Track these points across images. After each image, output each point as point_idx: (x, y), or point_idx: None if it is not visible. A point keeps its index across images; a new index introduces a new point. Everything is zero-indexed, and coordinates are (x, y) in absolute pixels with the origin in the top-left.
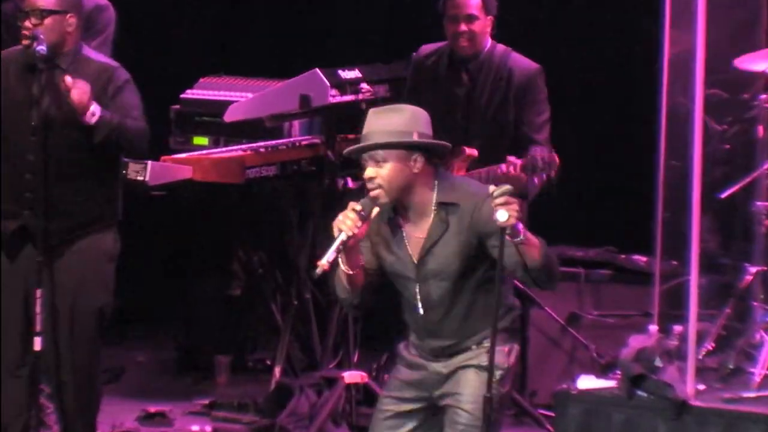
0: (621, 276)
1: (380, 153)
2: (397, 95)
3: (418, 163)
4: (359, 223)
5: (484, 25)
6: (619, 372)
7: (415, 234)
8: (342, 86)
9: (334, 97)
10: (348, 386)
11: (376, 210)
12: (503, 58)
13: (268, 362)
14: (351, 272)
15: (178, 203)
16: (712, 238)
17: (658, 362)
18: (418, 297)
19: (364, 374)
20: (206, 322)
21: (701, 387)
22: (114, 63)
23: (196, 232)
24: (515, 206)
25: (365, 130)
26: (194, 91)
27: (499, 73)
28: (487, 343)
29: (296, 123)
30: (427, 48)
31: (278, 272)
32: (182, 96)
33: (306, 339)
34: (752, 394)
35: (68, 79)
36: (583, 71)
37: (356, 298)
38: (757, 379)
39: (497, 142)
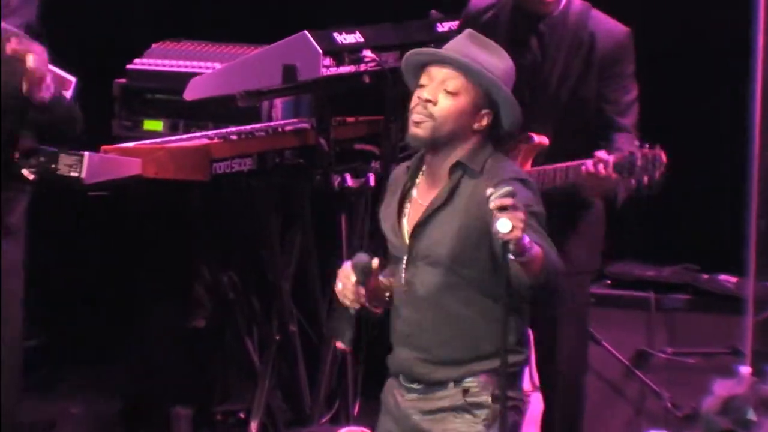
0: (703, 302)
1: (459, 81)
2: None
3: (483, 121)
4: (362, 291)
5: None
6: (701, 427)
7: (421, 200)
8: (339, 54)
9: (329, 68)
10: None
11: (375, 262)
12: (582, 17)
13: (242, 415)
14: (379, 311)
15: (124, 207)
16: None
17: (752, 415)
18: (403, 281)
19: (366, 430)
20: (161, 363)
21: None
22: None
23: (148, 245)
24: (521, 215)
25: (450, 45)
26: (145, 60)
27: (578, 37)
28: (467, 383)
29: (278, 102)
30: (480, 1)
31: (254, 298)
32: (129, 66)
33: (291, 385)
34: None
35: (17, 42)
36: (654, 42)
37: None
38: None
39: (571, 128)
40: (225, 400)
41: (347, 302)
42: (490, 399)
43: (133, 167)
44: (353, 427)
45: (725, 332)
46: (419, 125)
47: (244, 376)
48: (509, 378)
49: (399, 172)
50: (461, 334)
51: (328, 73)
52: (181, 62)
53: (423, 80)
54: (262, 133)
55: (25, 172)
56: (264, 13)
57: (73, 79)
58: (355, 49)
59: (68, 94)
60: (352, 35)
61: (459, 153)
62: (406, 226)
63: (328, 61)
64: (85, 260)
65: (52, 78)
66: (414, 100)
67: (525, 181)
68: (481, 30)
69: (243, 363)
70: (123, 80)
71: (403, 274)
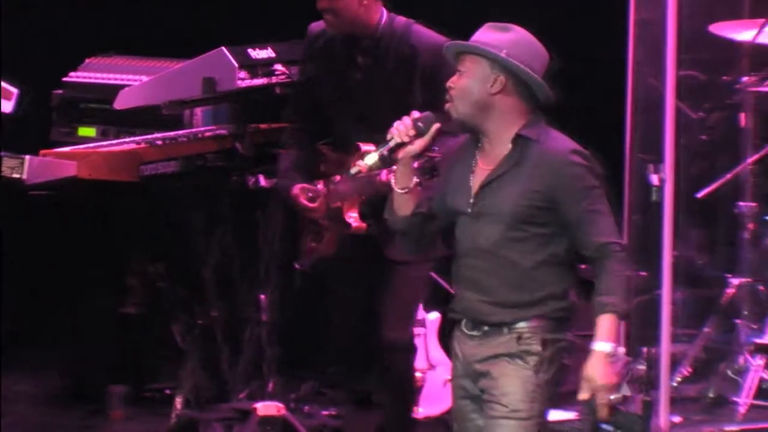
0: (581, 289)
1: (467, 62)
2: None
3: (496, 84)
4: (412, 132)
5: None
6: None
7: (485, 165)
8: (253, 68)
9: (244, 80)
10: (262, 419)
11: (435, 126)
12: (404, 34)
13: (168, 392)
14: (399, 191)
15: (62, 205)
16: (688, 245)
17: (626, 390)
18: (467, 235)
19: (280, 405)
20: (97, 345)
21: (677, 419)
22: None
23: (84, 239)
24: None
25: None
26: (79, 73)
27: (401, 51)
28: (520, 328)
29: (199, 111)
30: (316, 26)
31: (181, 286)
32: (65, 79)
33: (214, 365)
34: (736, 428)
35: None
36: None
37: (401, 224)
38: (742, 410)
39: None
40: (154, 379)
41: (394, 132)
42: (540, 347)
43: (69, 169)
44: (267, 402)
45: None
46: (448, 108)
47: (172, 357)
48: (559, 322)
49: (466, 142)
50: (519, 280)
51: (244, 84)
52: (111, 75)
53: None
54: (185, 139)
55: None
56: (185, 30)
57: (15, 90)
58: (268, 63)
59: (11, 103)
60: (265, 51)
61: (507, 122)
62: (471, 187)
63: (243, 74)
64: (29, 252)
65: None
66: None
67: (580, 152)
68: (319, 51)
69: (170, 345)
70: (60, 91)
71: (468, 233)
